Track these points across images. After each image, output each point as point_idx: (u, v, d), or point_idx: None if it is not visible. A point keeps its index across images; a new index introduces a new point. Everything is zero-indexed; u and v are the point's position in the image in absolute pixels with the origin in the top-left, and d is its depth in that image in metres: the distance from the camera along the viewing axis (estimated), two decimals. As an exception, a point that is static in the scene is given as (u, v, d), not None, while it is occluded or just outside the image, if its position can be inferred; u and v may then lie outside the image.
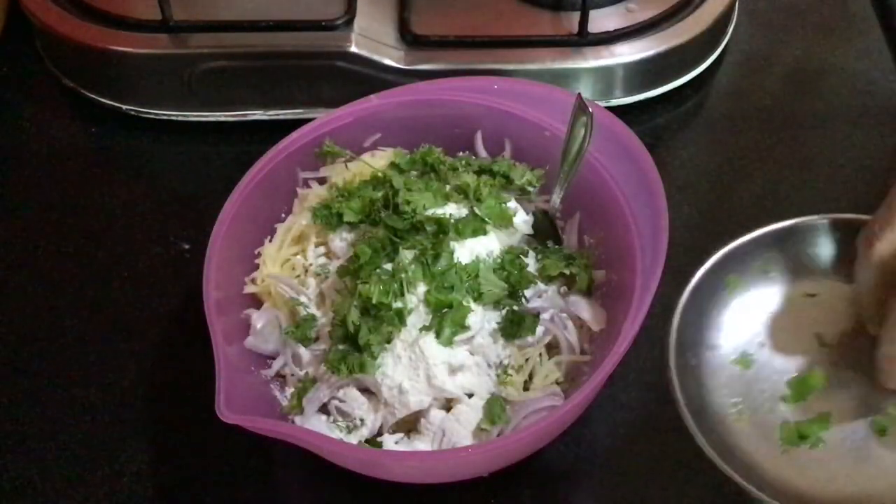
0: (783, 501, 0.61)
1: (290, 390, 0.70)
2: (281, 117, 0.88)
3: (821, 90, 0.92)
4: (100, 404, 0.73)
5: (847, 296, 0.69)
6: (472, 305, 0.67)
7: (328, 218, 0.72)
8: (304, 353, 0.69)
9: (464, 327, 0.66)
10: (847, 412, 0.66)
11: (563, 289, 0.72)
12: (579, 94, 0.71)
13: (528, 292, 0.70)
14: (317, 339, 0.70)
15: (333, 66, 0.85)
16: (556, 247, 0.74)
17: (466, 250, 0.69)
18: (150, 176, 0.88)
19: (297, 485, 0.71)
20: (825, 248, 0.71)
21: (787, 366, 0.68)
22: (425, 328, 0.66)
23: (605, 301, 0.71)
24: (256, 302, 0.73)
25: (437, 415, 0.66)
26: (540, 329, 0.69)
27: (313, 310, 0.71)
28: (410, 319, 0.66)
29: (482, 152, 0.78)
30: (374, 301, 0.65)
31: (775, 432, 0.66)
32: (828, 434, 0.65)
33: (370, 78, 0.85)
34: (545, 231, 0.74)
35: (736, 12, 0.95)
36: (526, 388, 0.68)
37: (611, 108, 0.81)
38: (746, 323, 0.69)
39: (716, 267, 0.69)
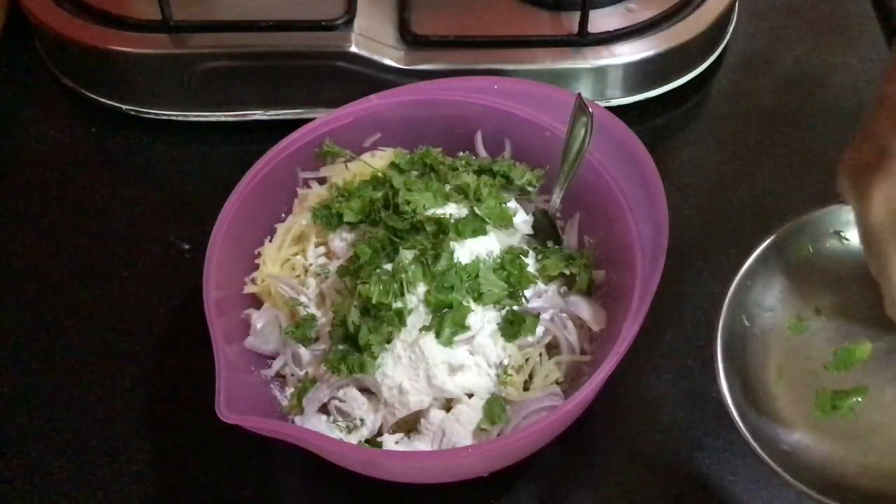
0: (798, 468, 0.62)
1: (290, 390, 0.70)
2: (281, 117, 0.88)
3: (821, 90, 0.92)
4: (100, 404, 0.73)
5: None
6: (472, 305, 0.67)
7: (328, 218, 0.72)
8: (304, 353, 0.69)
9: (464, 327, 0.66)
10: (885, 390, 0.66)
11: (563, 289, 0.72)
12: (579, 94, 0.71)
13: (528, 292, 0.70)
14: (317, 339, 0.70)
15: (333, 66, 0.85)
16: (556, 247, 0.74)
17: (466, 250, 0.69)
18: (150, 176, 0.88)
19: (297, 485, 0.71)
20: None
21: (837, 336, 0.68)
22: (425, 328, 0.66)
23: (605, 301, 0.71)
24: (256, 302, 0.73)
25: (437, 415, 0.66)
26: (540, 329, 0.69)
27: (313, 310, 0.71)
28: (410, 319, 0.66)
29: (482, 152, 0.78)
30: (374, 301, 0.65)
31: (811, 399, 0.66)
32: (860, 407, 0.65)
33: (370, 78, 0.85)
34: (545, 231, 0.74)
35: (736, 12, 0.95)
36: (526, 388, 0.68)
37: (611, 108, 0.81)
38: (808, 289, 0.70)
39: (788, 233, 0.69)
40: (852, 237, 0.71)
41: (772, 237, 0.69)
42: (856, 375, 0.67)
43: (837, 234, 0.70)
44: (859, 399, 0.66)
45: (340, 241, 0.72)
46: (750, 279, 0.68)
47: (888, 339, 0.68)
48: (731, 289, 0.67)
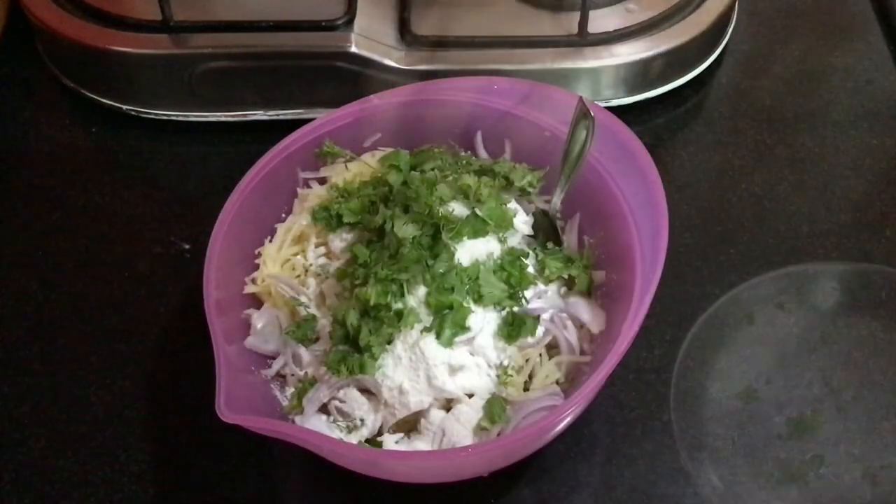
0: None
1: (290, 390, 0.70)
2: (281, 117, 0.88)
3: (821, 90, 0.92)
4: (100, 404, 0.73)
5: (861, 343, 0.69)
6: (473, 306, 0.67)
7: (328, 219, 0.72)
8: (305, 353, 0.69)
9: (464, 328, 0.66)
10: (842, 457, 0.66)
11: (563, 289, 0.72)
12: (581, 96, 0.71)
13: (528, 293, 0.70)
14: (317, 340, 0.70)
15: (333, 66, 0.85)
16: (556, 248, 0.74)
17: (466, 251, 0.69)
18: (150, 176, 0.88)
19: (297, 485, 0.71)
20: (842, 293, 0.71)
21: (789, 405, 0.69)
22: (426, 329, 0.66)
23: (605, 301, 0.71)
24: (256, 302, 0.73)
25: (437, 415, 0.66)
26: (540, 330, 0.69)
27: (313, 310, 0.71)
28: (410, 320, 0.66)
29: (482, 153, 0.78)
30: (372, 302, 0.65)
31: (767, 468, 0.66)
32: (818, 476, 0.65)
33: (370, 78, 0.85)
34: (545, 231, 0.74)
35: (736, 12, 0.95)
36: (526, 389, 0.68)
37: (611, 109, 0.81)
38: (755, 358, 0.70)
39: (731, 301, 0.69)
40: (792, 306, 0.71)
41: (714, 305, 0.69)
42: (810, 445, 0.67)
43: (779, 303, 0.70)
44: (817, 469, 0.66)
45: (340, 241, 0.72)
46: (697, 347, 0.68)
47: (843, 407, 0.68)
48: (678, 361, 0.67)
